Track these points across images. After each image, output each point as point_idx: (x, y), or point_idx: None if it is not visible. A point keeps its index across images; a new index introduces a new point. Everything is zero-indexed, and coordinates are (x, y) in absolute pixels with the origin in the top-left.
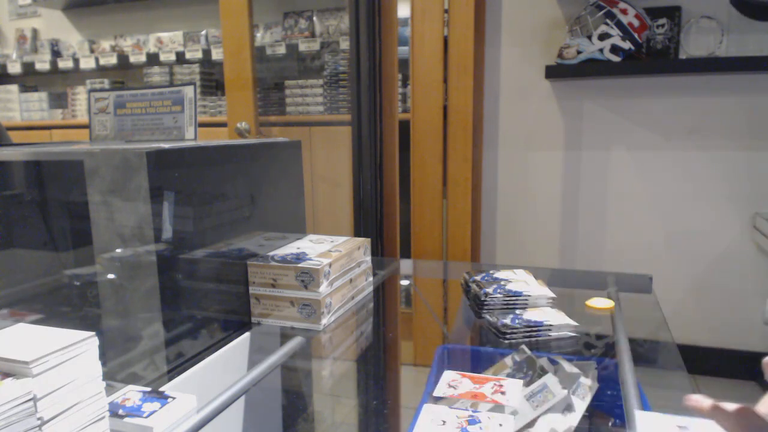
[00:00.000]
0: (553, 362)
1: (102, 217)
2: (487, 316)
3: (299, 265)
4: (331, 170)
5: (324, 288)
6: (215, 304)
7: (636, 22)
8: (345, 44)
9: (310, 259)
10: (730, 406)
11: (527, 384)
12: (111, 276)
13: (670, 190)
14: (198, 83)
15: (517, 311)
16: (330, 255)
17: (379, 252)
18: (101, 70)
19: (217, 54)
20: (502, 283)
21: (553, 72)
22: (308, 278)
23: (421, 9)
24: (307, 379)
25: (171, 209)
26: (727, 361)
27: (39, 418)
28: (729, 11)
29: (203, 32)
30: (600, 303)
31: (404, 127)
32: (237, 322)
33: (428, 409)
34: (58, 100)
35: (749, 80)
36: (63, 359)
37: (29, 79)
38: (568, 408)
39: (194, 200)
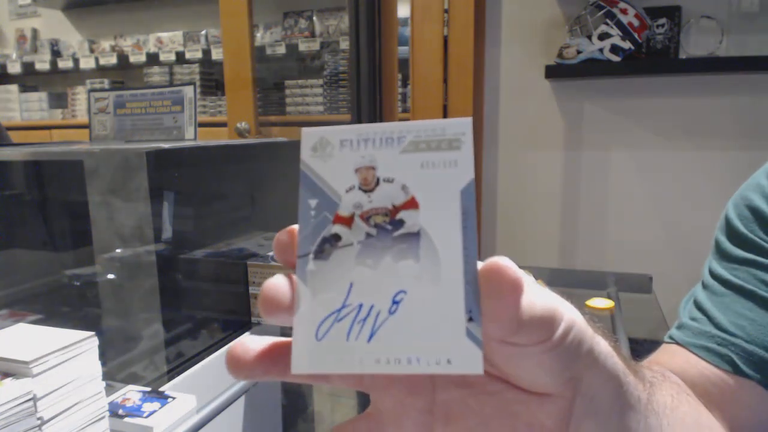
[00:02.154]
0: None
1: (102, 217)
2: None
3: None
4: None
5: None
6: (215, 304)
7: (636, 22)
8: (345, 44)
9: None
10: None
11: None
12: (111, 276)
13: (670, 190)
14: (198, 83)
15: None
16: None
17: None
18: (101, 70)
19: (217, 54)
20: None
21: (553, 72)
22: None
23: (421, 9)
24: None
25: (171, 209)
26: None
27: (39, 418)
28: (729, 11)
29: (203, 32)
30: (600, 303)
31: None
32: (237, 322)
33: None
34: (58, 100)
35: (749, 80)
36: (63, 359)
37: (29, 79)
38: None
39: (194, 200)
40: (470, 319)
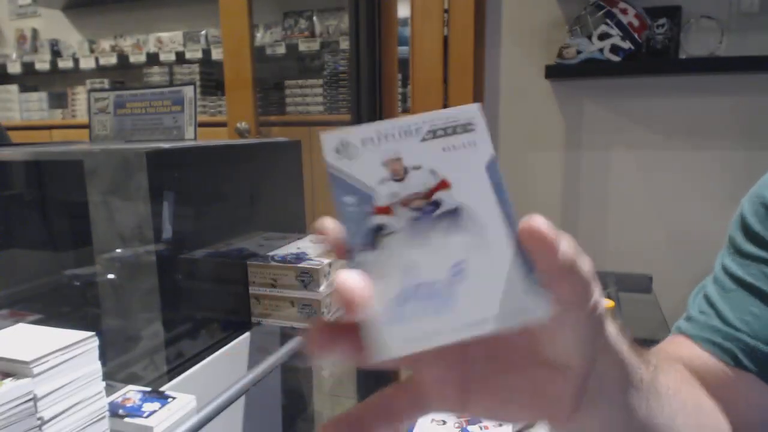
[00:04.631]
0: None
1: (102, 217)
2: None
3: (299, 265)
4: None
5: (324, 288)
6: (215, 304)
7: (636, 22)
8: (345, 44)
9: (310, 259)
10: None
11: None
12: (111, 276)
13: (670, 189)
14: (198, 83)
15: None
16: (330, 255)
17: None
18: (101, 70)
19: (217, 54)
20: None
21: (553, 72)
22: (308, 278)
23: (421, 9)
24: (307, 379)
25: (171, 209)
26: None
27: (39, 418)
28: (729, 11)
29: (203, 32)
30: None
31: None
32: (237, 322)
33: None
34: (58, 100)
35: (749, 80)
36: (63, 359)
37: (29, 79)
38: None
39: (194, 200)
40: (528, 273)
